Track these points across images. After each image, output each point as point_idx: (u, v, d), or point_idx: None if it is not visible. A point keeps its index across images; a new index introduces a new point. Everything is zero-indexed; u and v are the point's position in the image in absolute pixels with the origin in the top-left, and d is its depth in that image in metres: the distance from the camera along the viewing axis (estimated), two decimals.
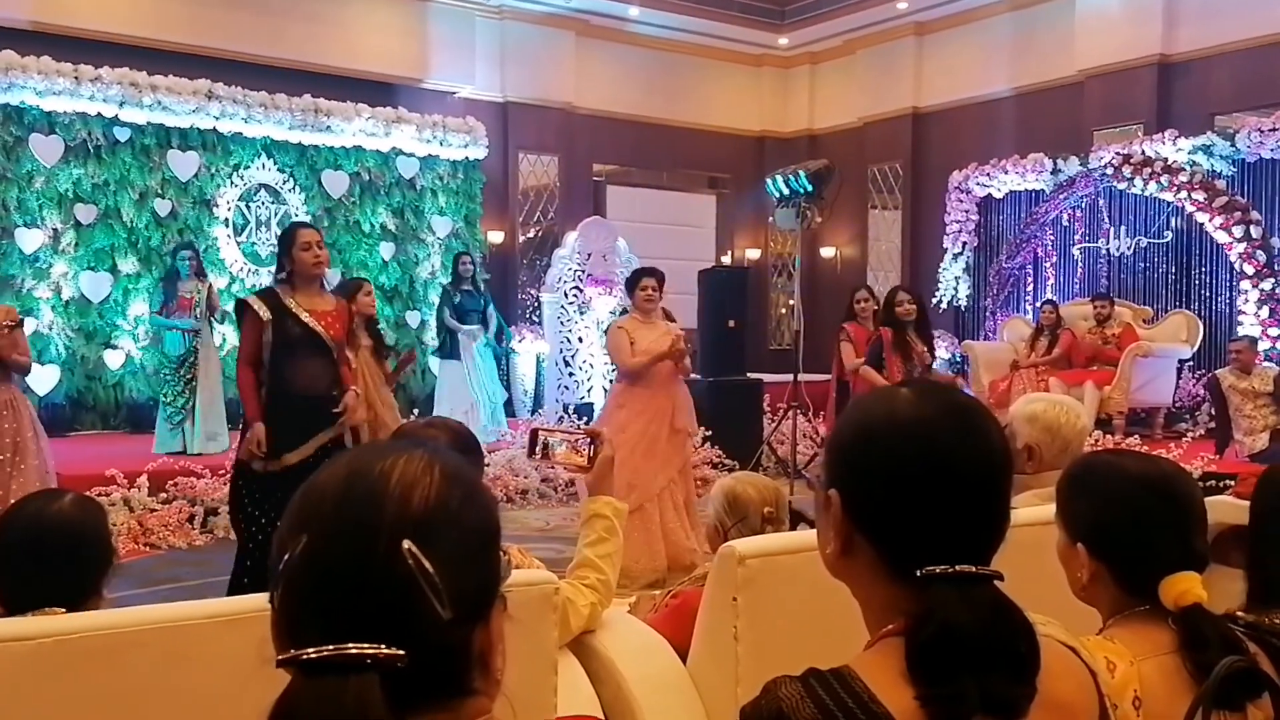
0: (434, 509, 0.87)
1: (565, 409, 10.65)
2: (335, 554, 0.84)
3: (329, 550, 0.84)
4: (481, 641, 0.89)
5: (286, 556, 0.85)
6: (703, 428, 8.61)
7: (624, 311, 6.78)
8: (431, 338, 11.11)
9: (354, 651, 0.80)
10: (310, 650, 0.81)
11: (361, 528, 0.85)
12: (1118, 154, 10.18)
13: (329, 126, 10.48)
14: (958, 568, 1.06)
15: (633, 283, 6.39)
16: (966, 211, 12.05)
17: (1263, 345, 8.78)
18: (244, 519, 4.65)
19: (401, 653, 0.81)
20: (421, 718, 0.85)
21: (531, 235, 12.59)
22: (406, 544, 0.84)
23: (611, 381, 11.55)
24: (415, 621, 0.83)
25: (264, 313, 4.52)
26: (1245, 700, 1.39)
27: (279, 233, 9.55)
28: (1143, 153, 10.06)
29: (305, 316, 4.53)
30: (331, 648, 0.81)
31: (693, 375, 6.85)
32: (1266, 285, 9.23)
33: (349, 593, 0.83)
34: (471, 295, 9.75)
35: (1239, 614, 1.61)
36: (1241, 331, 9.12)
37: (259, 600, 1.73)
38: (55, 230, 9.27)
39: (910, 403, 1.14)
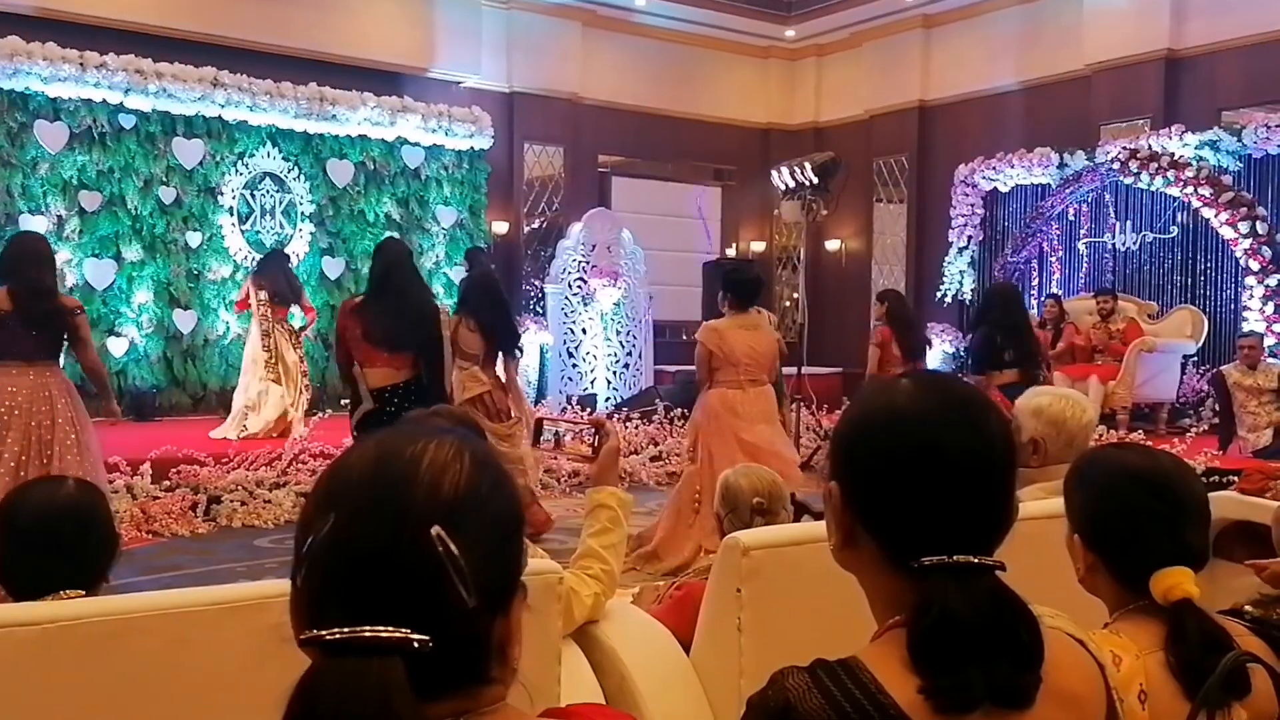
0: (464, 495, 0.87)
1: (569, 400, 10.66)
2: (363, 536, 0.84)
3: (357, 532, 0.84)
4: (501, 631, 0.89)
5: (312, 537, 0.85)
6: None
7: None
8: None
9: (381, 634, 0.80)
10: (339, 630, 0.81)
11: (390, 511, 0.84)
12: (1124, 148, 10.16)
13: (334, 115, 10.46)
14: (957, 558, 1.06)
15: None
16: (972, 205, 12.03)
17: (1267, 341, 8.77)
18: None
19: (427, 638, 0.81)
20: (439, 704, 0.85)
21: (536, 226, 12.57)
22: (435, 529, 0.83)
23: (615, 374, 11.57)
24: (440, 607, 0.83)
25: None
26: (1233, 700, 1.39)
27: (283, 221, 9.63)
28: (1149, 147, 10.04)
29: None
30: (363, 629, 0.80)
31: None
32: (1272, 281, 9.22)
33: (375, 575, 0.83)
34: None
35: (1247, 608, 1.60)
36: (1246, 327, 9.12)
37: (262, 587, 1.73)
38: (60, 217, 9.27)
39: (908, 394, 1.14)
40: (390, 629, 0.80)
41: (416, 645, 0.81)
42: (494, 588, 0.87)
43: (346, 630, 0.80)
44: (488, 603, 0.86)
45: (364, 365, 4.97)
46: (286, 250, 9.90)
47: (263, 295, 8.65)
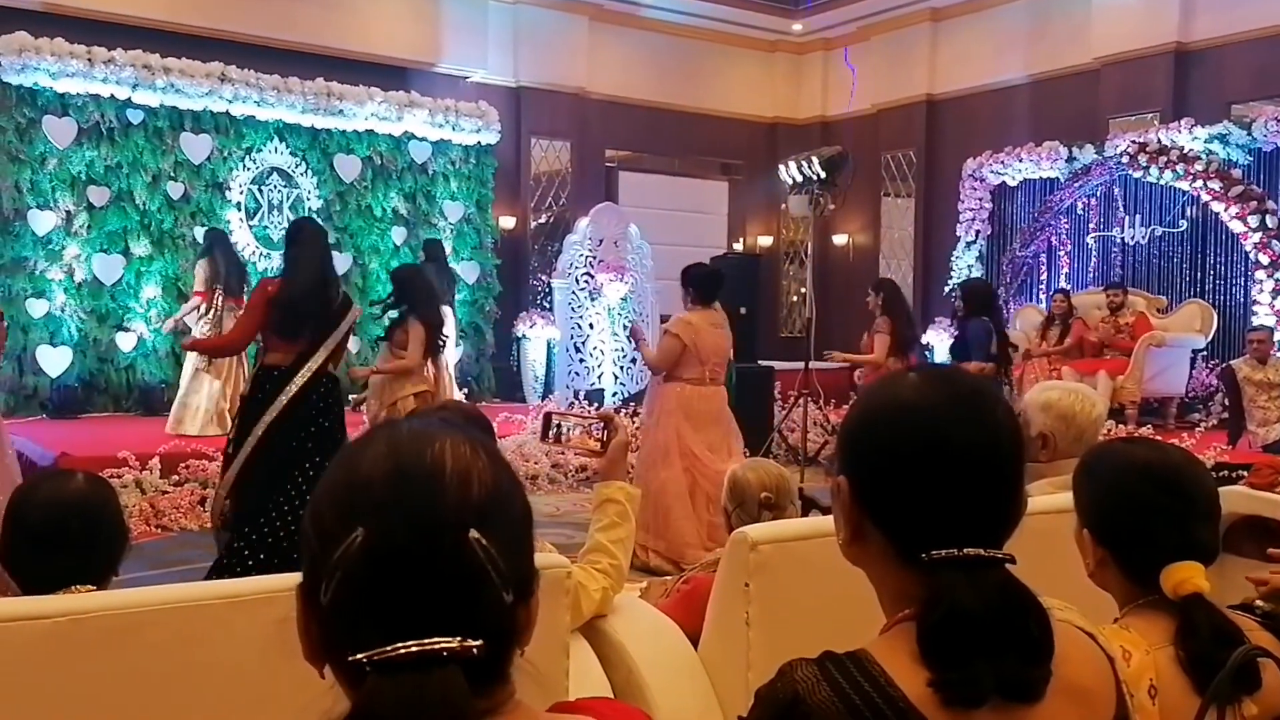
0: (491, 494, 0.86)
1: (576, 395, 10.66)
2: (399, 547, 0.82)
3: (392, 543, 0.82)
4: (523, 620, 0.89)
5: (337, 552, 0.82)
6: None
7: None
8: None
9: (439, 645, 0.79)
10: (402, 645, 0.79)
11: (424, 519, 0.83)
12: (1133, 142, 10.12)
13: (341, 110, 10.47)
14: (965, 551, 1.05)
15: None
16: (980, 199, 11.99)
17: (1278, 335, 8.73)
18: None
19: (480, 642, 0.81)
20: (476, 704, 0.83)
21: (543, 221, 12.57)
22: (473, 533, 0.83)
23: (622, 369, 11.59)
24: (483, 610, 0.82)
25: None
26: (1243, 694, 1.38)
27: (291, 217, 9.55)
28: (1158, 141, 9.99)
29: None
30: (418, 642, 0.79)
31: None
32: None
33: (416, 585, 0.81)
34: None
35: (1258, 603, 1.60)
36: (1256, 321, 9.09)
37: (270, 581, 1.74)
38: (68, 212, 9.29)
39: (914, 388, 1.14)
40: (448, 639, 0.80)
41: (468, 651, 0.80)
42: (522, 581, 0.87)
43: (410, 645, 0.79)
44: (519, 597, 0.86)
45: (267, 348, 4.84)
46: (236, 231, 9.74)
47: (216, 285, 8.41)
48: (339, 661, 0.82)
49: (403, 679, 0.78)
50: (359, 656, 0.80)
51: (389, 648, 0.79)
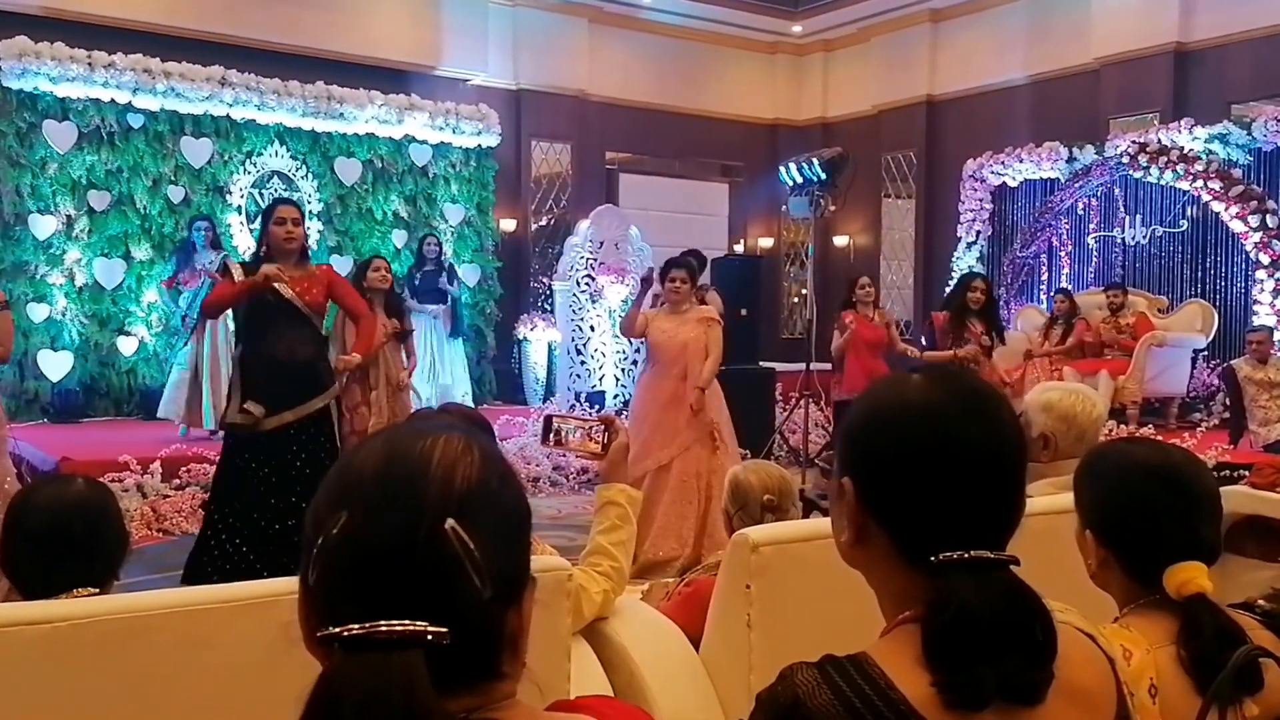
0: (476, 489, 0.87)
1: (577, 397, 10.66)
2: (377, 532, 0.84)
3: (371, 528, 0.84)
4: (514, 623, 0.89)
5: (323, 535, 0.85)
6: None
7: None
8: None
9: (402, 628, 0.80)
10: (360, 625, 0.81)
11: (405, 506, 0.84)
12: (1134, 142, 10.12)
13: (342, 113, 10.48)
14: (972, 553, 1.05)
15: (663, 275, 6.15)
16: (981, 200, 12.00)
17: (1278, 335, 8.73)
18: (222, 475, 4.91)
19: (445, 630, 0.81)
20: (454, 700, 0.84)
21: (544, 223, 12.58)
22: (450, 523, 0.84)
23: (624, 371, 11.58)
24: (456, 600, 0.83)
25: (237, 275, 4.78)
26: (1245, 695, 1.38)
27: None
28: (1159, 141, 10.00)
29: (278, 285, 4.69)
30: (382, 623, 0.80)
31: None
32: None
33: (391, 571, 0.83)
34: (431, 275, 9.75)
35: (1260, 602, 1.60)
36: (1256, 321, 9.08)
37: (273, 585, 1.74)
38: (69, 217, 9.30)
39: (920, 389, 1.14)
40: (409, 622, 0.81)
41: (435, 637, 0.81)
42: (507, 579, 0.87)
43: (367, 625, 0.80)
44: (501, 594, 0.86)
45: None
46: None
47: None
48: (319, 643, 0.84)
49: (364, 658, 0.80)
50: (329, 631, 0.82)
51: (346, 626, 0.81)
